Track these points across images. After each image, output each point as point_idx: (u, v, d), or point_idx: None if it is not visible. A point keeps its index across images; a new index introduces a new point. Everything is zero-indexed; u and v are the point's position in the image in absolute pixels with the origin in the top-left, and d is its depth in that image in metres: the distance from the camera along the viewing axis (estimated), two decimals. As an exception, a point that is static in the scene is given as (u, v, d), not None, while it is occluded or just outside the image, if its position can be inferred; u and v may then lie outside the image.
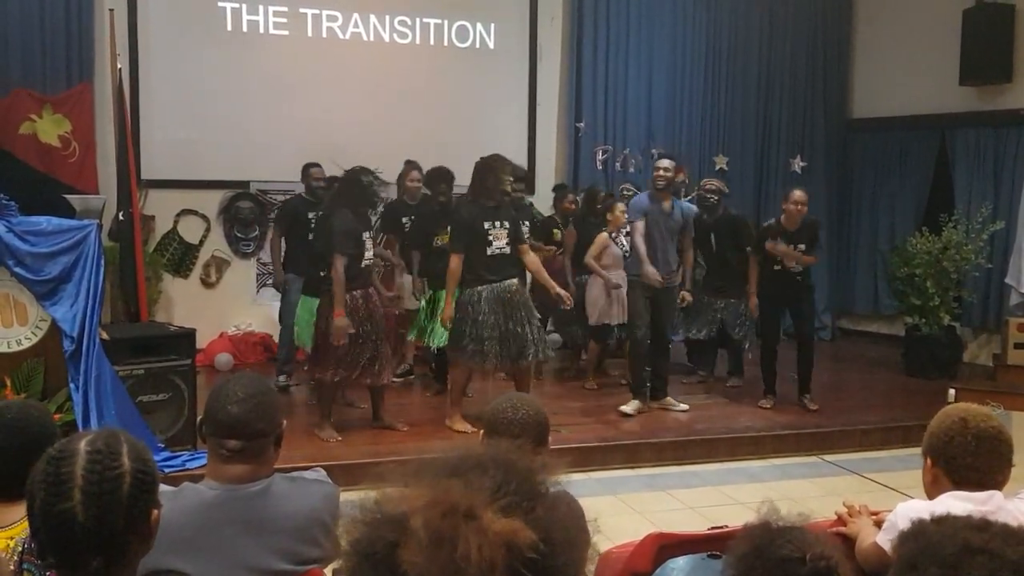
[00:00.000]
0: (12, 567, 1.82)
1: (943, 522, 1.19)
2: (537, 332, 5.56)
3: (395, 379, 6.22)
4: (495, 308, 5.39)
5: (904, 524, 1.39)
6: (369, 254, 5.39)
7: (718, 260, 6.90)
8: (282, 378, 6.62)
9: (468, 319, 5.41)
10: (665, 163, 6.10)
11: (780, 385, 6.58)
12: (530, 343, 5.45)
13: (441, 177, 6.50)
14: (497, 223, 5.48)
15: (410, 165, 6.78)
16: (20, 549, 1.83)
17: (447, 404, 5.85)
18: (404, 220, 6.64)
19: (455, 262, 5.41)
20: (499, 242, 5.47)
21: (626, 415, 6.12)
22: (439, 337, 6.22)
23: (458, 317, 5.46)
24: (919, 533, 1.19)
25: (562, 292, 5.60)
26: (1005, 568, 1.07)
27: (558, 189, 7.81)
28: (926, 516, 1.28)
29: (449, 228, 5.76)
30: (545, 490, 0.93)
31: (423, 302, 6.54)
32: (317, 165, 6.74)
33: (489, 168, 5.50)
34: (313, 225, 6.28)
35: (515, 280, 5.57)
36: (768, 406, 6.45)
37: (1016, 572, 1.07)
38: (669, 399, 6.35)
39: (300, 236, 6.47)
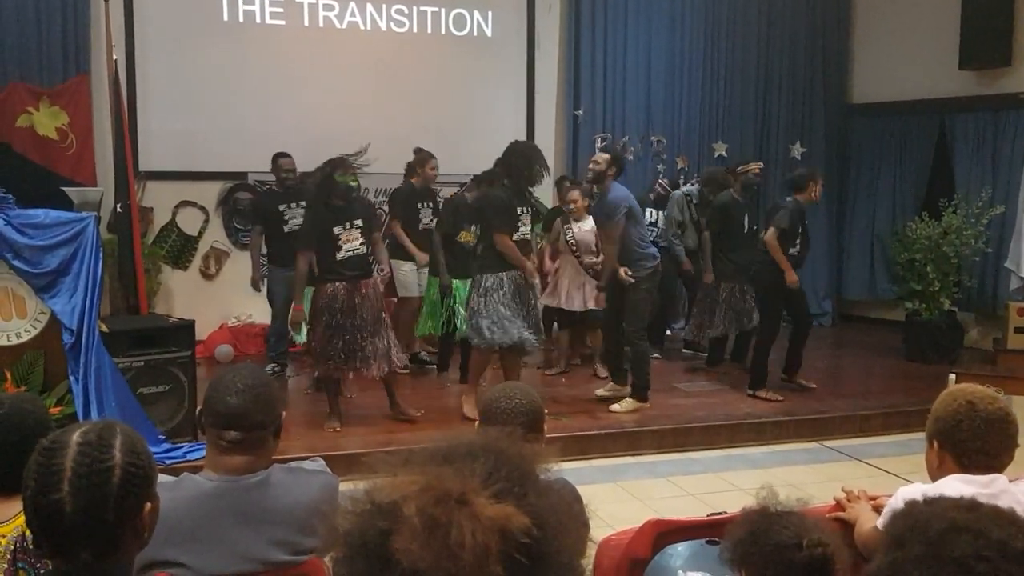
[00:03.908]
0: (6, 565, 1.81)
1: (934, 502, 1.20)
2: (536, 321, 5.63)
3: (402, 370, 6.18)
4: (515, 293, 5.45)
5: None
6: (350, 246, 5.32)
7: (744, 243, 6.75)
8: (271, 367, 6.60)
9: (492, 304, 5.41)
10: (597, 156, 6.02)
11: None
12: (535, 330, 5.54)
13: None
14: (524, 209, 5.56)
15: (428, 153, 6.75)
16: (13, 547, 1.83)
17: (461, 390, 5.90)
18: (419, 205, 6.69)
19: (507, 242, 5.37)
20: (524, 228, 5.56)
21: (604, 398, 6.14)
22: (459, 326, 6.32)
23: (478, 304, 5.46)
24: (909, 512, 1.19)
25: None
26: (990, 547, 1.08)
27: (559, 182, 7.79)
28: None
29: (486, 211, 5.61)
30: (536, 476, 0.92)
31: (432, 294, 6.57)
32: (287, 155, 6.68)
33: (533, 158, 5.52)
34: (285, 217, 6.45)
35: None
36: (780, 398, 6.32)
37: (1001, 551, 1.08)
38: (622, 399, 6.05)
39: (274, 229, 6.53)
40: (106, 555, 1.46)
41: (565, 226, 6.78)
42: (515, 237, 5.45)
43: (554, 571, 0.87)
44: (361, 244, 5.36)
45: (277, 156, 6.67)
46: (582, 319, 6.95)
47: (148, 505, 1.51)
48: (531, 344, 5.52)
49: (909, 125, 8.89)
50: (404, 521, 0.83)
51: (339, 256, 5.29)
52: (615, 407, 5.97)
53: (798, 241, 6.26)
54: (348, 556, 0.87)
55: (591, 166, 5.96)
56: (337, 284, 5.28)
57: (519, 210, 5.50)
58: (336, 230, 5.29)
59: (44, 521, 1.45)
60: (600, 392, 6.17)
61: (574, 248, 6.67)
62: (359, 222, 5.36)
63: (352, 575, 0.87)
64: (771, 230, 6.18)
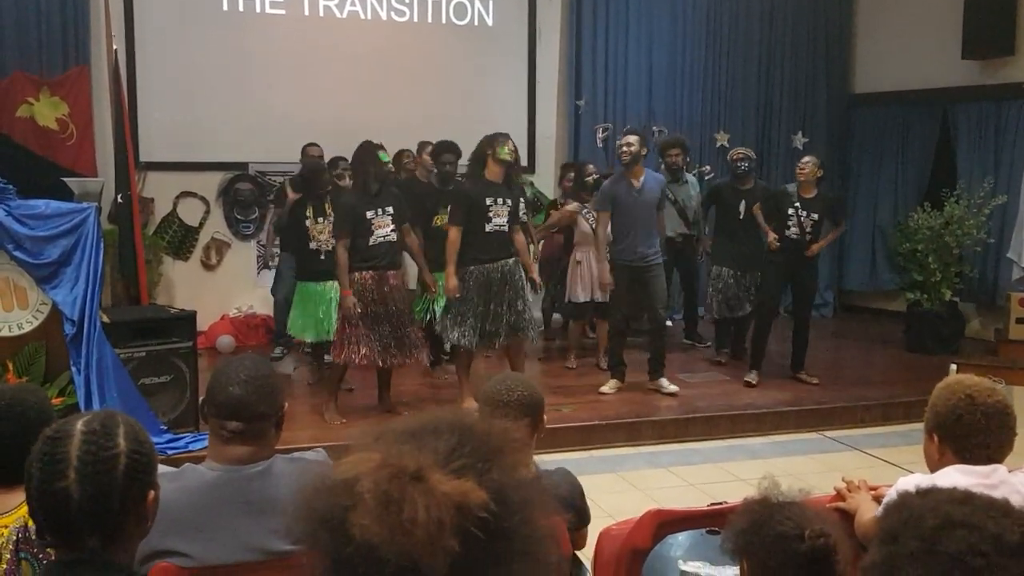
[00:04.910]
0: (8, 555, 1.81)
1: (927, 495, 1.19)
2: (519, 314, 5.49)
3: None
4: (480, 289, 5.41)
5: (901, 498, 1.39)
6: (381, 232, 5.29)
7: (743, 230, 6.77)
8: (278, 350, 6.70)
9: (458, 298, 5.44)
10: (629, 139, 6.00)
11: (766, 363, 6.55)
12: (504, 325, 5.43)
13: (447, 148, 6.33)
14: (500, 200, 5.47)
15: (425, 143, 6.73)
16: (16, 539, 1.83)
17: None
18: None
19: (454, 234, 5.39)
20: (499, 219, 5.46)
21: (603, 394, 6.11)
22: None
23: (450, 297, 5.50)
24: (902, 505, 1.19)
25: (536, 279, 5.72)
26: (985, 541, 1.07)
27: (564, 168, 7.77)
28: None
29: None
30: (504, 454, 0.92)
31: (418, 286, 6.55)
32: (315, 144, 6.73)
33: (481, 147, 5.49)
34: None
35: (511, 259, 5.53)
36: (754, 382, 6.36)
37: (996, 544, 1.07)
38: (663, 380, 6.14)
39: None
40: (112, 542, 1.48)
41: (585, 211, 6.66)
42: (488, 229, 5.41)
43: (515, 545, 0.87)
44: (392, 232, 5.34)
45: (306, 146, 6.79)
46: (595, 309, 6.86)
47: (151, 493, 1.53)
48: (469, 346, 5.49)
49: (911, 115, 8.86)
50: (359, 497, 0.83)
51: (371, 241, 5.27)
52: (669, 388, 6.08)
53: (789, 223, 6.26)
54: (312, 530, 0.88)
55: (624, 148, 5.92)
56: (364, 274, 5.23)
57: (490, 200, 5.42)
58: (369, 214, 5.28)
59: (50, 510, 1.46)
60: (604, 389, 6.16)
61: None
62: (390, 209, 5.35)
63: (315, 548, 0.87)
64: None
